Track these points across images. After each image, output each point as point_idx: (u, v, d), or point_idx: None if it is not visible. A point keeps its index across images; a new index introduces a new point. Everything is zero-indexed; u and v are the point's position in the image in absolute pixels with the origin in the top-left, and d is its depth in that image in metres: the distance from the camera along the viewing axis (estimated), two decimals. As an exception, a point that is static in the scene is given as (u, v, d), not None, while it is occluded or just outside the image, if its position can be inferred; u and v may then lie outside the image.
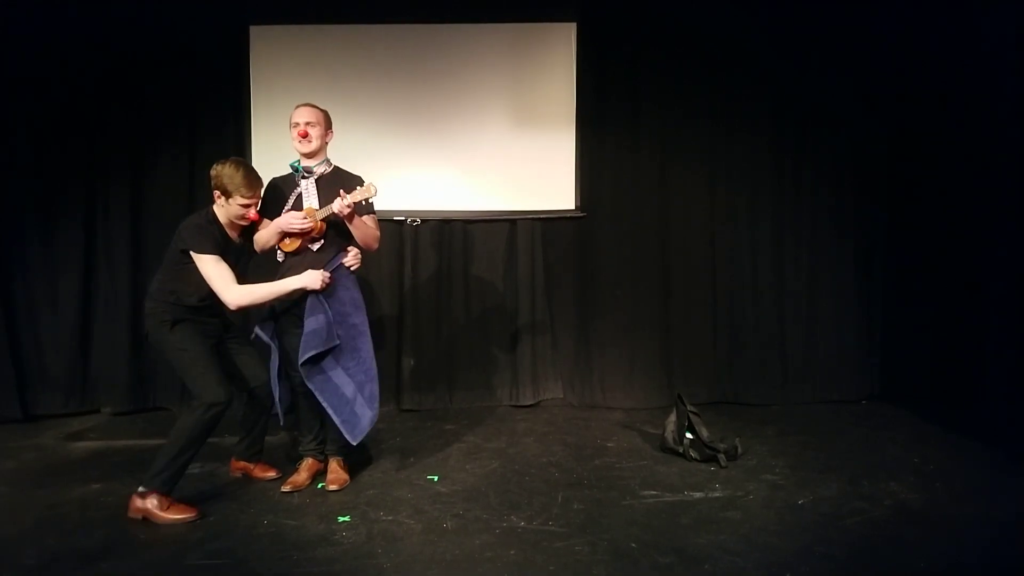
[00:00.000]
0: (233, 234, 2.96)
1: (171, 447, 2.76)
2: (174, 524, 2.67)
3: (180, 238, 2.87)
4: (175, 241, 2.89)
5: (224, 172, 2.83)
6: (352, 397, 2.99)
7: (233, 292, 2.82)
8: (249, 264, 3.10)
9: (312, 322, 2.92)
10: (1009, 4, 3.65)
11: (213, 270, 2.81)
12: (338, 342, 2.97)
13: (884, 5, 4.24)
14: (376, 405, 3.04)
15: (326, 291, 2.97)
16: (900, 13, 4.23)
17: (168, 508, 2.72)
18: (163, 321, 2.85)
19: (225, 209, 2.89)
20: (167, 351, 2.88)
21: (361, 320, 3.08)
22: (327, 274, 2.94)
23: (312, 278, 2.90)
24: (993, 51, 3.79)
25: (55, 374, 4.20)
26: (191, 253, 2.82)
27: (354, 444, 2.99)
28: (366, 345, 3.07)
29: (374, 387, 3.04)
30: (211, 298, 2.88)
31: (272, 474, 3.18)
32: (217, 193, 2.87)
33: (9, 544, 2.52)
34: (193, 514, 2.73)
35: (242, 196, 2.83)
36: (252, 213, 2.90)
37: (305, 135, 2.99)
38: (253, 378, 3.07)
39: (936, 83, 4.16)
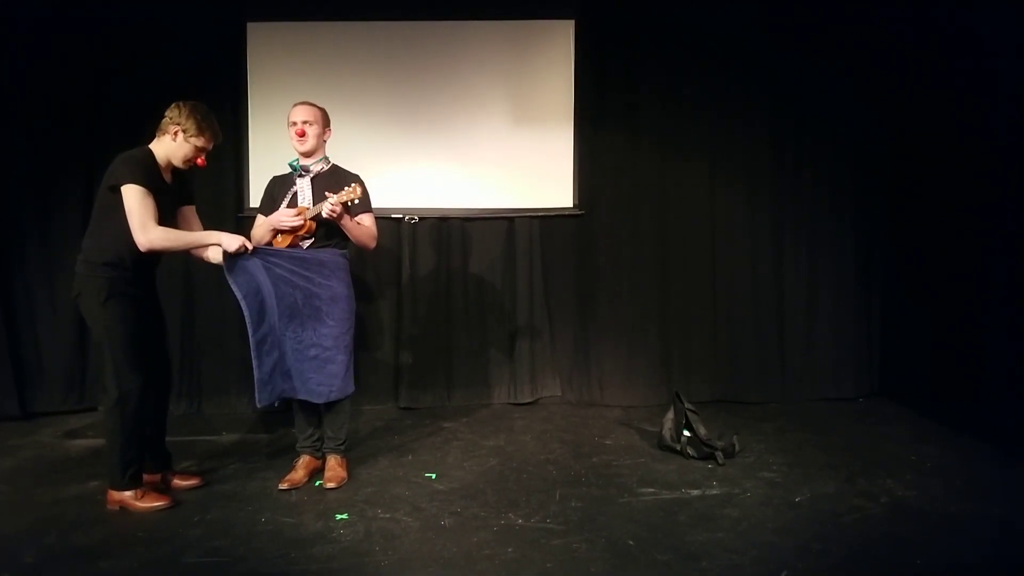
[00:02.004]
0: (167, 176, 2.83)
1: (113, 449, 2.77)
2: (150, 512, 2.74)
3: (111, 172, 2.70)
4: (105, 179, 2.71)
5: (197, 113, 2.75)
6: (276, 362, 2.91)
7: (151, 232, 2.66)
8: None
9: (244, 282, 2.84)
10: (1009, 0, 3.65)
11: (138, 203, 2.63)
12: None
13: (884, 1, 4.23)
14: (280, 388, 2.90)
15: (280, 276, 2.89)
16: (900, 9, 4.21)
17: (142, 498, 2.78)
18: (96, 291, 2.69)
19: (175, 147, 2.76)
20: (93, 324, 2.78)
21: (330, 311, 2.97)
22: (245, 241, 2.81)
23: (230, 240, 2.78)
24: (994, 47, 3.78)
25: (53, 371, 4.20)
26: (120, 188, 2.65)
27: (257, 406, 2.93)
28: (315, 336, 2.93)
29: (294, 370, 2.91)
30: (146, 258, 2.75)
31: (198, 483, 3.01)
32: (174, 129, 2.74)
33: (8, 542, 2.52)
34: (165, 502, 2.79)
35: (206, 140, 2.78)
36: (202, 159, 2.84)
37: (302, 134, 2.99)
38: (163, 358, 2.97)
39: (937, 80, 4.15)
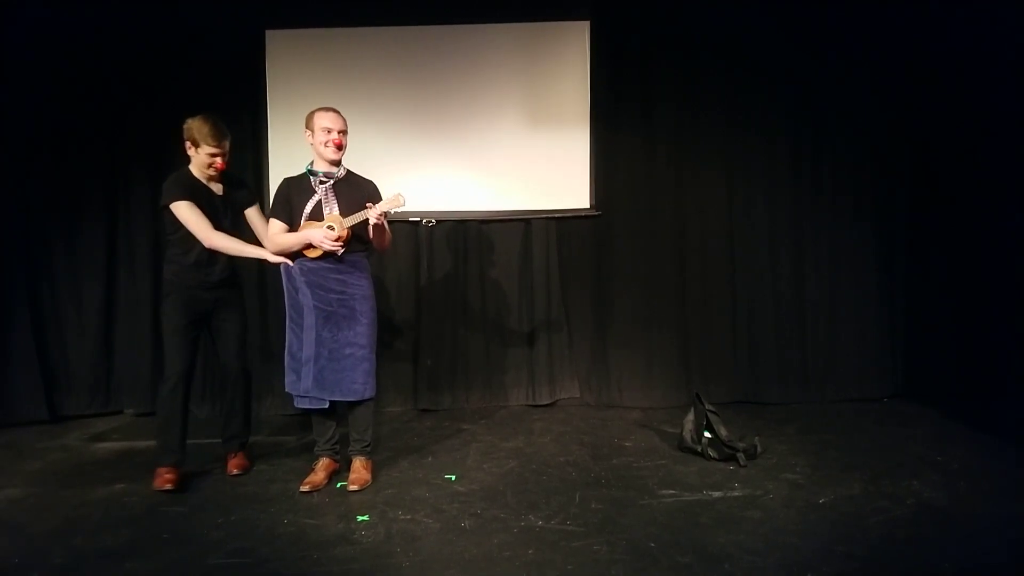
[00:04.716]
0: (217, 187, 3.14)
1: (155, 425, 3.16)
2: (159, 491, 2.99)
3: (161, 195, 3.07)
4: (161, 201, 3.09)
5: (194, 124, 3.02)
6: (306, 359, 3.02)
7: (212, 237, 3.01)
8: (233, 221, 3.19)
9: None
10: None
11: (188, 214, 3.00)
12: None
13: (903, 4, 4.17)
14: (312, 392, 3.02)
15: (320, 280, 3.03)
16: (919, 10, 4.15)
17: (159, 476, 3.03)
18: (162, 290, 3.16)
19: (195, 160, 3.06)
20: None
21: (363, 310, 3.06)
22: (286, 261, 3.05)
23: (272, 258, 3.06)
24: (1015, 47, 3.72)
25: (80, 376, 4.28)
26: (168, 207, 3.01)
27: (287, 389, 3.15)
28: (351, 335, 3.02)
29: (326, 374, 3.00)
30: (207, 259, 3.06)
31: (236, 471, 3.20)
32: (188, 144, 3.04)
33: (37, 542, 2.57)
34: (170, 485, 2.98)
35: (208, 145, 3.01)
36: (219, 163, 3.07)
37: (341, 145, 3.01)
38: (222, 354, 3.24)
39: (957, 75, 4.10)
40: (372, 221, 2.92)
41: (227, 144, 3.09)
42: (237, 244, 3.09)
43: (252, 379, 3.39)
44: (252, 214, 3.25)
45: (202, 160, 3.05)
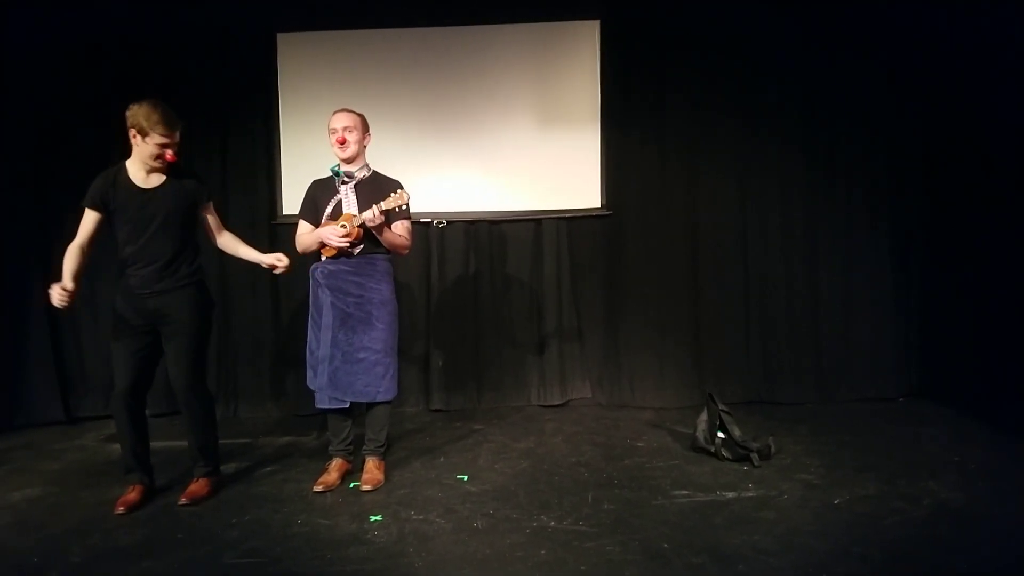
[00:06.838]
0: (155, 179, 2.84)
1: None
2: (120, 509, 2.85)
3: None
4: None
5: (141, 111, 2.73)
6: (322, 358, 3.05)
7: (71, 245, 2.89)
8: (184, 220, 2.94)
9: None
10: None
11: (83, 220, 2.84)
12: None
13: (916, 1, 4.13)
14: (326, 390, 3.04)
15: (339, 286, 3.05)
16: (932, 7, 4.11)
17: (123, 495, 2.90)
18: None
19: (141, 149, 2.77)
20: None
21: (380, 315, 3.08)
22: (277, 264, 2.99)
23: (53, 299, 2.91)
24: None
25: (95, 377, 4.32)
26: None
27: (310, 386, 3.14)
28: (365, 339, 3.04)
29: (340, 375, 3.03)
30: (142, 261, 2.85)
31: (183, 500, 2.89)
32: (133, 132, 2.75)
33: (56, 541, 2.61)
34: (122, 508, 2.83)
35: (159, 135, 2.73)
36: (169, 154, 2.78)
37: (343, 141, 3.03)
38: (170, 377, 2.93)
39: (971, 71, 4.05)
40: (365, 221, 2.92)
41: (178, 134, 2.80)
42: (64, 267, 2.82)
43: (203, 401, 3.02)
44: (207, 217, 3.02)
45: (150, 150, 2.75)
